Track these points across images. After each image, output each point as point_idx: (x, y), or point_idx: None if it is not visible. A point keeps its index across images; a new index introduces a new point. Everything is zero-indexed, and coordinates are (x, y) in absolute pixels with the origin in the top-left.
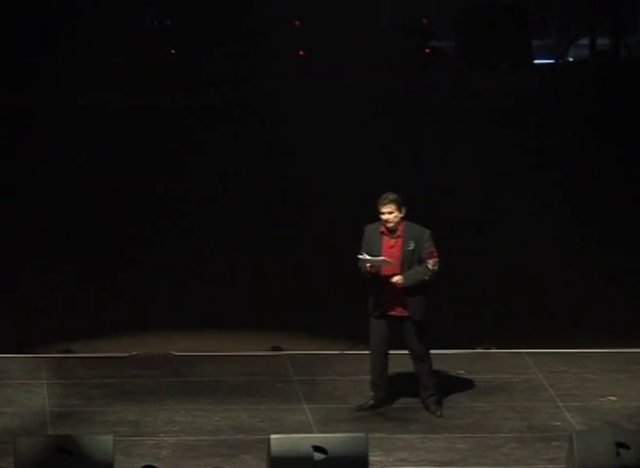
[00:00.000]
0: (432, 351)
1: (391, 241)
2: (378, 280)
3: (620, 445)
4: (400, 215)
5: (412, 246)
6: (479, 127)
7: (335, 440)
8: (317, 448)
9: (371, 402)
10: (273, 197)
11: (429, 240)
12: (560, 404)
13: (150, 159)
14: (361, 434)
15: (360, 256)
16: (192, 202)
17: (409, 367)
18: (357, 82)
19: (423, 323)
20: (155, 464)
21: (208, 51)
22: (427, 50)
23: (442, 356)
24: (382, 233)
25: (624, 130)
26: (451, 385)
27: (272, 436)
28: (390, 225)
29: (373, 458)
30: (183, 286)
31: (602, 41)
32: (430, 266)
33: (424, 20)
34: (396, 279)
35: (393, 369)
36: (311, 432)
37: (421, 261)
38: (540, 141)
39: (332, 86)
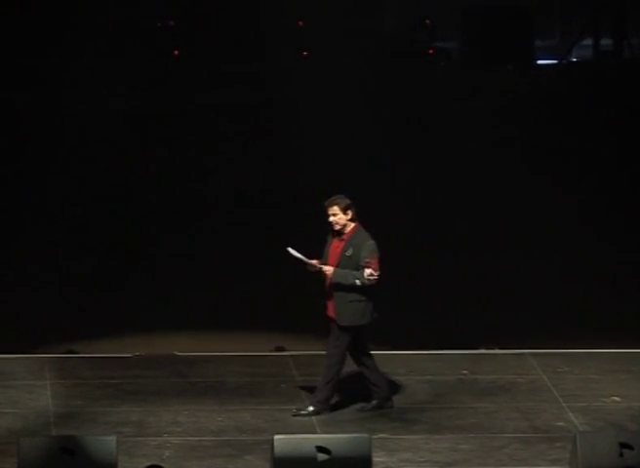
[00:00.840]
0: (437, 351)
1: (337, 243)
2: (323, 280)
3: (623, 445)
4: (345, 218)
5: (350, 252)
6: (481, 127)
7: (338, 440)
8: (321, 449)
9: (374, 402)
10: (277, 197)
11: (370, 251)
12: (563, 404)
13: (154, 160)
14: (364, 434)
15: (289, 249)
16: (195, 203)
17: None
18: (360, 82)
19: (347, 331)
20: (161, 464)
21: (210, 51)
22: (431, 50)
23: (446, 356)
24: (334, 234)
25: (627, 130)
26: (454, 386)
27: (276, 436)
28: (337, 227)
29: (376, 459)
30: (187, 286)
31: (605, 41)
32: (365, 275)
33: (428, 21)
34: (327, 268)
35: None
36: (315, 432)
37: (358, 269)
38: (543, 141)
39: (335, 86)
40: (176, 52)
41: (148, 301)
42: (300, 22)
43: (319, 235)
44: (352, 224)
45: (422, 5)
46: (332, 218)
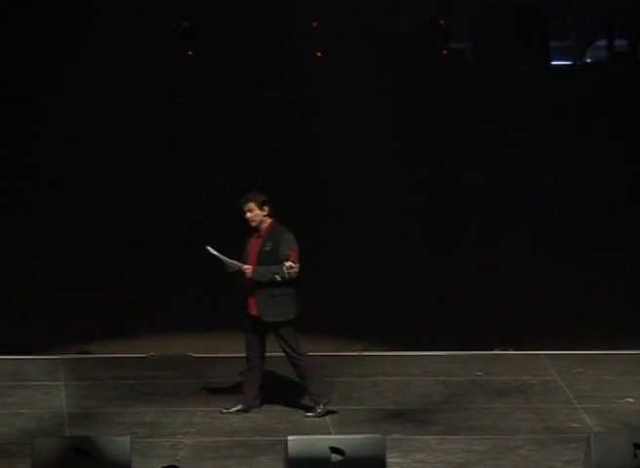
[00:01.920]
0: (451, 352)
1: (254, 240)
2: (241, 280)
3: (637, 446)
4: (262, 214)
5: (269, 246)
6: (496, 128)
7: (352, 441)
8: (334, 450)
9: (240, 406)
10: (295, 197)
11: (289, 243)
12: (578, 405)
13: (168, 161)
14: (378, 435)
15: (208, 248)
16: (211, 203)
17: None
18: (374, 83)
19: (279, 327)
20: (177, 465)
21: (224, 52)
22: (445, 51)
23: (460, 357)
24: (251, 231)
25: None
26: (468, 387)
27: (289, 437)
28: (253, 224)
29: (390, 460)
30: (202, 287)
31: (620, 42)
32: (285, 268)
33: (442, 22)
34: (246, 267)
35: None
36: (328, 433)
37: (278, 263)
38: (556, 142)
39: (349, 87)
40: (190, 52)
41: (163, 302)
42: (314, 23)
43: (338, 236)
44: (269, 220)
45: (437, 6)
46: (248, 214)
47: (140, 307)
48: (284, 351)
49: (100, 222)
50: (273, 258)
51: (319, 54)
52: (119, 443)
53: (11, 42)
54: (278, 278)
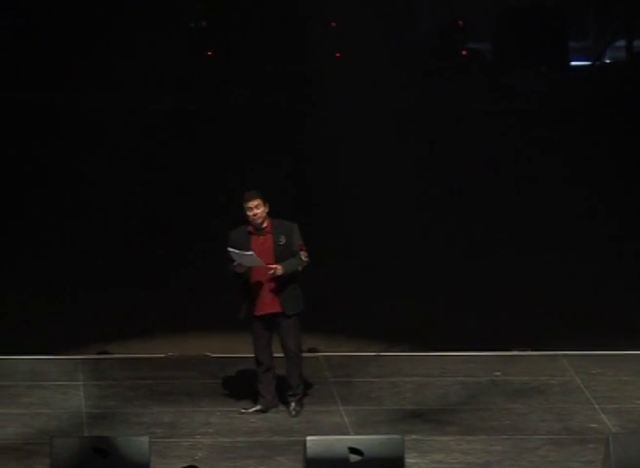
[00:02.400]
0: (470, 353)
1: (260, 238)
2: (250, 279)
3: None
4: (266, 210)
5: (283, 240)
6: (515, 128)
7: (371, 441)
8: (353, 450)
9: (259, 406)
10: (310, 196)
11: (298, 233)
12: (596, 406)
13: (187, 160)
14: (397, 436)
15: (230, 249)
16: (228, 203)
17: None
18: (392, 83)
19: (293, 319)
20: (196, 465)
21: (242, 52)
22: (464, 52)
23: (479, 358)
24: (250, 233)
25: None
26: (487, 387)
27: (308, 437)
28: (258, 221)
29: (409, 460)
30: (220, 286)
31: (639, 43)
32: (304, 258)
33: (461, 22)
34: (274, 267)
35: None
36: (347, 434)
37: (294, 255)
38: (575, 143)
39: (367, 87)
40: (209, 53)
41: (181, 302)
42: (333, 24)
43: (356, 236)
44: (268, 217)
45: (455, 6)
46: (256, 211)
47: (159, 307)
48: (287, 347)
49: (119, 223)
50: (289, 251)
51: (338, 54)
52: (138, 443)
53: (26, 42)
54: (300, 269)
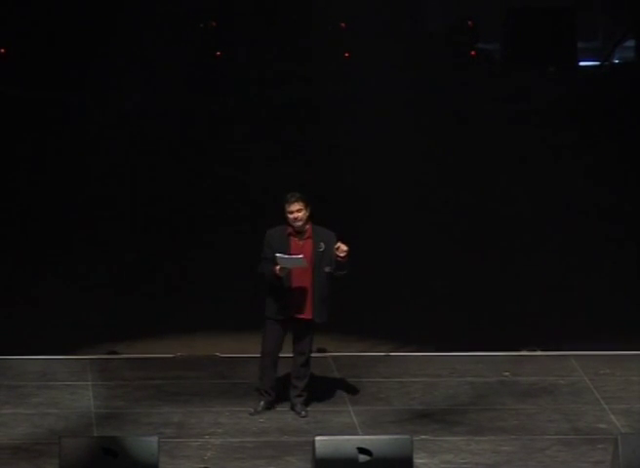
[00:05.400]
0: (479, 353)
1: (300, 242)
2: (284, 282)
3: None
4: (308, 214)
5: (322, 247)
6: (524, 128)
7: (379, 442)
8: (362, 450)
9: (262, 404)
10: (322, 198)
11: (337, 243)
12: (605, 406)
13: (195, 161)
14: (406, 436)
15: (278, 255)
16: (239, 203)
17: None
18: (402, 83)
19: (315, 328)
20: (207, 465)
21: (252, 53)
22: (473, 52)
23: (487, 358)
24: (290, 235)
25: None
26: (496, 387)
27: (317, 438)
28: (299, 224)
29: (417, 460)
30: (229, 287)
31: None
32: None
33: (470, 22)
34: (340, 244)
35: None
36: (356, 434)
37: (330, 264)
38: (586, 143)
39: (376, 87)
40: (218, 53)
41: (190, 302)
42: (343, 24)
43: (366, 235)
44: (309, 221)
45: (464, 6)
46: (297, 214)
47: (168, 307)
48: (302, 350)
49: (128, 223)
50: (327, 259)
51: (347, 54)
52: (147, 443)
53: (37, 42)
54: (343, 273)
